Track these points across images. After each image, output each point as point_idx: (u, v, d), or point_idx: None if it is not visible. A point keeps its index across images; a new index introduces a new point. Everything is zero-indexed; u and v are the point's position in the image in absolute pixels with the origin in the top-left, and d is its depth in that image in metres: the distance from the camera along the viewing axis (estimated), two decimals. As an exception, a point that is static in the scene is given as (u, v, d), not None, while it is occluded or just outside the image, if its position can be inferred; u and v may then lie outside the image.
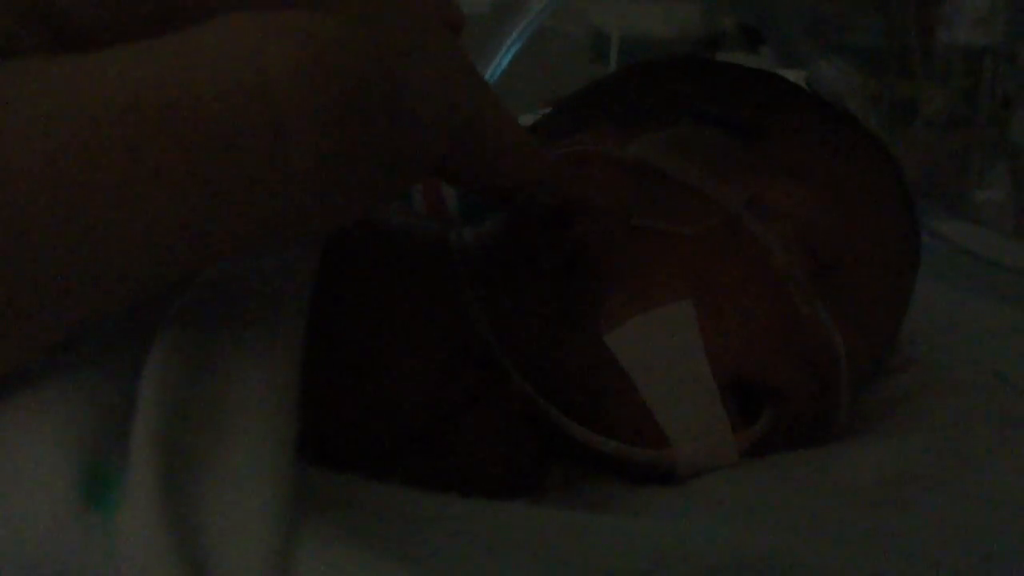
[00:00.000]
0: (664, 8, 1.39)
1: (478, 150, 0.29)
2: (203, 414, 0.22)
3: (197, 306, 0.25)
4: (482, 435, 0.38)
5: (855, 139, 0.48)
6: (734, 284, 0.40)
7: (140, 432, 0.21)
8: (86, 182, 0.19)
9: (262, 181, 0.20)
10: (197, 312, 0.25)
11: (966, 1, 1.12)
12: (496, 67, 1.12)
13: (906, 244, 0.48)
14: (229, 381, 0.23)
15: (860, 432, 0.44)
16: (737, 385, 0.40)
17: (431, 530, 0.24)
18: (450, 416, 0.37)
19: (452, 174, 0.30)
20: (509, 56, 1.13)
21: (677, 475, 0.38)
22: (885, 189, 0.47)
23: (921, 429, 0.44)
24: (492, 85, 1.08)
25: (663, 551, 0.27)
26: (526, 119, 0.54)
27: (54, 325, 0.21)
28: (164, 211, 0.19)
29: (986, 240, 0.81)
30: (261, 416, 0.22)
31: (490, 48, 1.13)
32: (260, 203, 0.21)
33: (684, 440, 0.38)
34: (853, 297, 0.43)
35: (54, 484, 0.21)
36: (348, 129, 0.21)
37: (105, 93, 0.19)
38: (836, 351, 0.40)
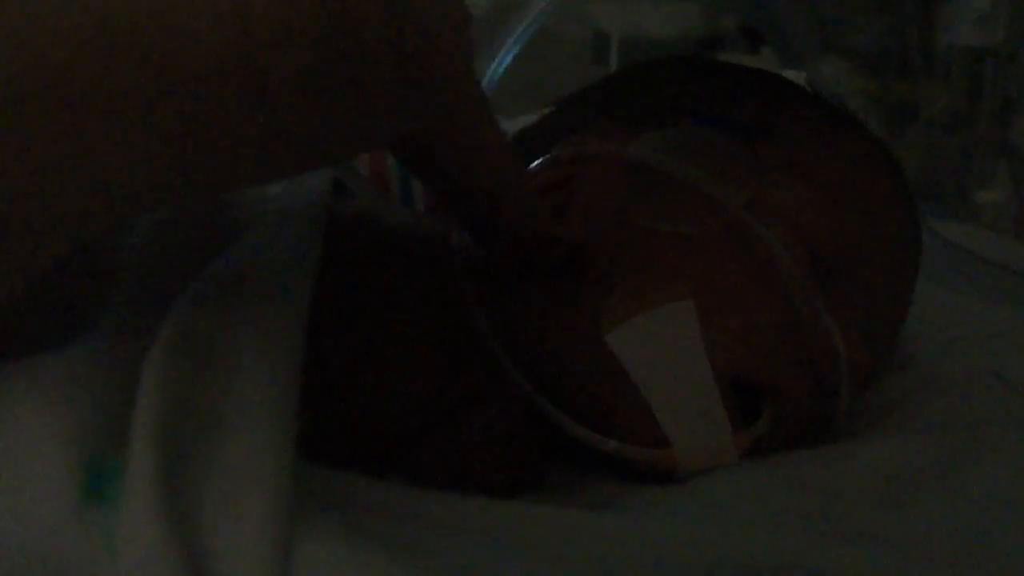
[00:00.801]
0: (665, 9, 1.39)
1: (458, 134, 0.28)
2: (203, 411, 0.22)
3: (198, 303, 0.25)
4: (482, 434, 0.38)
5: (856, 140, 0.48)
6: (735, 284, 0.40)
7: (140, 428, 0.21)
8: (58, 99, 0.18)
9: (238, 105, 0.20)
10: (198, 309, 0.25)
11: (967, 2, 1.12)
12: (496, 68, 1.12)
13: (907, 245, 0.48)
14: (229, 378, 0.23)
15: (860, 432, 0.44)
16: (737, 385, 0.40)
17: (430, 529, 0.24)
18: (450, 415, 0.37)
19: (424, 157, 0.29)
20: (510, 57, 1.13)
21: (677, 475, 0.38)
22: (886, 190, 0.47)
23: (920, 430, 0.44)
24: (493, 86, 1.08)
25: (662, 551, 0.27)
26: (527, 119, 0.54)
27: (36, 244, 0.20)
28: (137, 132, 0.19)
29: (986, 241, 0.81)
30: (261, 413, 0.22)
31: (490, 49, 1.12)
32: (237, 128, 0.20)
33: (684, 440, 0.38)
34: (854, 298, 0.43)
35: (55, 479, 0.21)
36: (330, 54, 0.20)
37: (77, 11, 0.19)
38: (837, 351, 0.40)
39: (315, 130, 0.21)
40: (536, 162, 0.45)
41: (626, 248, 0.41)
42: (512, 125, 0.54)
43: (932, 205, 0.94)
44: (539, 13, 1.13)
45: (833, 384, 0.41)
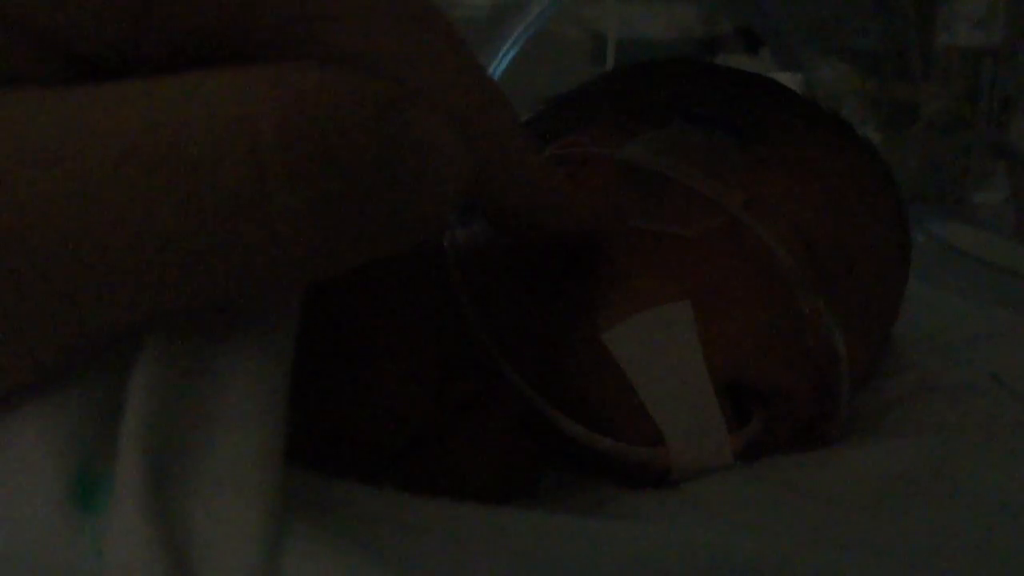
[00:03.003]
0: (663, 11, 1.39)
1: (508, 183, 0.29)
2: (191, 418, 0.22)
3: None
4: (477, 440, 0.38)
5: (848, 142, 0.48)
6: (733, 284, 0.40)
7: (128, 435, 0.21)
8: (80, 223, 0.19)
9: (247, 236, 0.20)
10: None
11: (965, 3, 1.12)
12: (495, 70, 1.12)
13: (898, 246, 0.48)
14: (218, 385, 0.23)
15: (855, 435, 0.44)
16: (735, 386, 0.40)
17: (421, 535, 0.24)
18: (445, 421, 0.37)
19: (491, 211, 0.30)
20: (508, 59, 1.14)
21: (671, 476, 0.38)
22: (878, 192, 0.47)
23: (915, 432, 0.44)
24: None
25: (653, 556, 0.27)
26: (524, 118, 0.54)
27: (37, 354, 0.21)
28: (151, 255, 0.20)
29: (984, 242, 0.81)
30: (249, 421, 0.22)
31: (489, 51, 1.13)
32: (246, 254, 0.21)
33: (678, 440, 0.38)
34: (850, 298, 0.44)
35: (42, 486, 0.21)
36: (333, 185, 0.21)
37: (106, 137, 0.19)
38: (837, 351, 0.40)
39: (320, 259, 0.22)
40: None
41: (622, 248, 0.41)
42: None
43: (930, 206, 0.95)
44: (537, 15, 1.14)
45: (833, 384, 0.41)
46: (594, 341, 0.38)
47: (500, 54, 1.14)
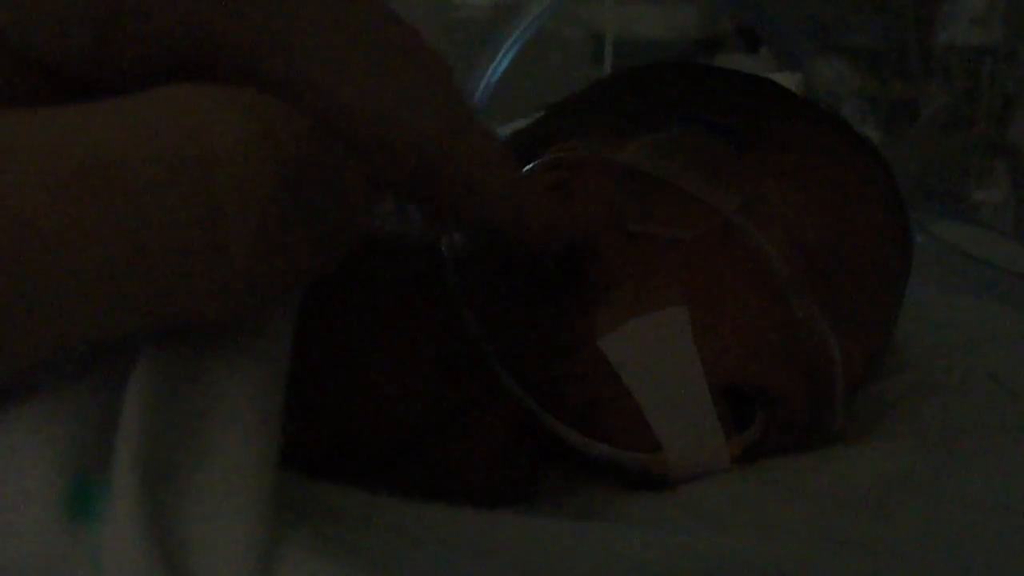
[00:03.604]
0: (662, 10, 1.39)
1: (454, 177, 0.28)
2: (186, 427, 0.22)
3: None
4: (475, 444, 0.38)
5: (848, 143, 0.48)
6: (729, 288, 0.40)
7: (124, 443, 0.21)
8: (22, 244, 0.19)
9: (200, 259, 0.20)
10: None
11: (965, 2, 1.12)
12: (494, 70, 1.12)
13: (898, 248, 0.48)
14: (213, 394, 0.23)
15: (854, 436, 0.44)
16: (731, 390, 0.40)
17: (415, 541, 0.24)
18: (443, 425, 0.37)
19: (430, 205, 0.30)
20: (508, 59, 1.14)
21: (669, 481, 0.38)
22: (878, 193, 0.47)
23: (914, 433, 0.44)
24: (490, 88, 1.08)
25: (652, 561, 0.27)
26: (522, 123, 0.54)
27: None
28: (97, 278, 0.19)
29: (984, 241, 0.81)
30: (244, 429, 0.22)
31: (488, 51, 1.13)
32: (195, 279, 0.21)
33: (676, 445, 0.38)
34: (847, 301, 0.43)
35: (39, 495, 0.21)
36: (288, 210, 0.21)
37: (54, 160, 0.19)
38: (831, 355, 0.40)
39: (269, 275, 0.22)
40: (529, 166, 0.45)
41: (619, 253, 0.41)
42: (505, 130, 0.54)
43: (930, 205, 0.95)
44: (537, 15, 1.14)
45: (828, 388, 0.41)
46: (591, 347, 0.38)
47: (500, 54, 1.14)
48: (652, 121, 0.45)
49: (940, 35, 1.15)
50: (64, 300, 0.19)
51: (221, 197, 0.20)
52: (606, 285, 0.40)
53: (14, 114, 0.20)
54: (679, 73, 0.52)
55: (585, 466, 0.39)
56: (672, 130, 0.45)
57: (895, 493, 0.36)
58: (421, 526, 0.25)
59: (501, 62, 1.15)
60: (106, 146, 0.20)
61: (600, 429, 0.38)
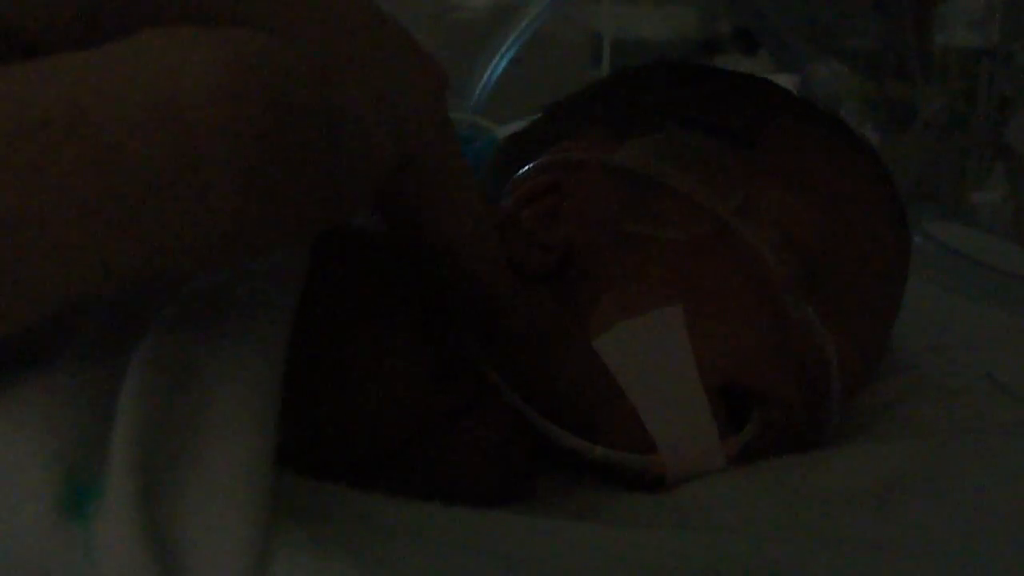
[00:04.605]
0: (661, 12, 1.39)
1: (425, 187, 0.28)
2: (182, 425, 0.22)
3: (180, 316, 0.25)
4: (471, 445, 0.38)
5: (845, 145, 0.48)
6: (724, 289, 0.40)
7: (119, 443, 0.21)
8: None
9: (180, 202, 0.19)
10: (179, 322, 0.25)
11: (963, 3, 1.12)
12: (493, 71, 1.12)
13: (896, 249, 0.48)
14: (209, 392, 0.23)
15: (850, 437, 0.44)
16: (727, 391, 0.40)
17: (410, 541, 0.24)
18: (439, 426, 0.37)
19: (393, 211, 0.29)
20: (506, 60, 1.14)
21: (665, 481, 0.38)
22: (875, 195, 0.47)
23: (911, 435, 0.44)
24: (489, 88, 1.08)
25: (647, 561, 0.27)
26: (520, 124, 0.54)
27: None
28: (71, 233, 0.19)
29: (982, 243, 0.81)
30: (239, 428, 0.22)
31: (487, 52, 1.13)
32: (177, 226, 0.20)
33: (671, 446, 0.38)
34: (843, 303, 0.43)
35: (34, 494, 0.21)
36: (270, 151, 0.20)
37: (14, 106, 0.19)
38: (827, 357, 0.40)
39: (258, 222, 0.21)
40: (525, 168, 0.45)
41: (615, 254, 0.41)
42: (503, 131, 0.54)
43: (928, 206, 0.95)
44: (535, 16, 1.14)
45: (823, 390, 0.41)
46: (586, 348, 0.38)
47: (498, 55, 1.14)
48: (649, 122, 0.45)
49: (938, 37, 1.15)
50: (39, 253, 0.19)
51: (199, 138, 0.19)
52: (601, 285, 0.40)
53: None
54: (676, 74, 0.52)
55: (581, 467, 0.39)
56: (669, 131, 0.45)
57: (892, 493, 0.36)
58: (418, 526, 0.25)
59: (499, 64, 1.15)
60: (73, 94, 0.19)
61: (595, 430, 0.38)
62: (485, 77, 1.13)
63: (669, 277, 0.40)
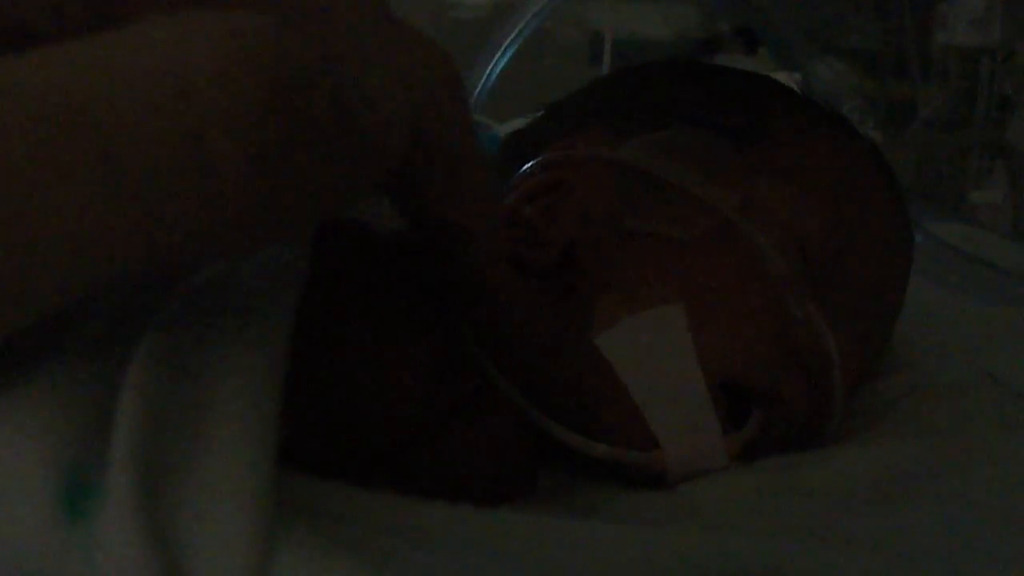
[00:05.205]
0: (662, 10, 1.39)
1: (437, 168, 0.27)
2: (183, 424, 0.22)
3: (180, 314, 0.25)
4: (474, 442, 0.38)
5: (848, 142, 0.48)
6: (727, 287, 0.40)
7: (119, 442, 0.21)
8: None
9: (185, 187, 0.19)
10: (180, 320, 0.25)
11: (963, 3, 1.12)
12: (493, 69, 1.12)
13: (898, 247, 0.48)
14: (210, 390, 0.23)
15: (852, 435, 0.44)
16: (729, 388, 0.40)
17: (413, 539, 0.24)
18: (441, 423, 0.37)
19: (402, 191, 0.29)
20: (507, 58, 1.14)
21: (667, 478, 0.38)
22: (877, 192, 0.47)
23: (913, 432, 0.44)
24: (489, 86, 1.08)
25: (649, 559, 0.27)
26: (520, 122, 0.54)
27: None
28: (79, 219, 0.19)
29: (982, 241, 0.81)
30: (241, 426, 0.22)
31: (488, 50, 1.13)
32: (186, 209, 0.19)
33: (673, 443, 0.38)
34: (846, 300, 0.43)
35: (34, 494, 0.21)
36: (278, 131, 0.20)
37: (16, 96, 0.18)
38: (829, 354, 0.40)
39: (268, 207, 0.21)
40: (527, 165, 0.45)
41: (617, 251, 0.41)
42: (504, 129, 0.54)
43: (928, 205, 0.95)
44: (536, 14, 1.14)
45: (826, 387, 0.41)
46: (588, 345, 0.38)
47: (499, 53, 1.14)
48: (650, 120, 0.45)
49: (938, 36, 1.15)
50: (45, 245, 0.19)
51: (205, 123, 0.19)
52: (603, 283, 0.40)
53: None
54: (677, 71, 0.52)
55: (584, 464, 0.39)
56: (670, 129, 0.45)
57: (894, 491, 0.36)
58: (421, 525, 0.25)
59: (499, 62, 1.14)
60: (76, 82, 0.19)
61: (597, 428, 0.38)
62: (485, 76, 1.13)
63: (671, 274, 0.40)
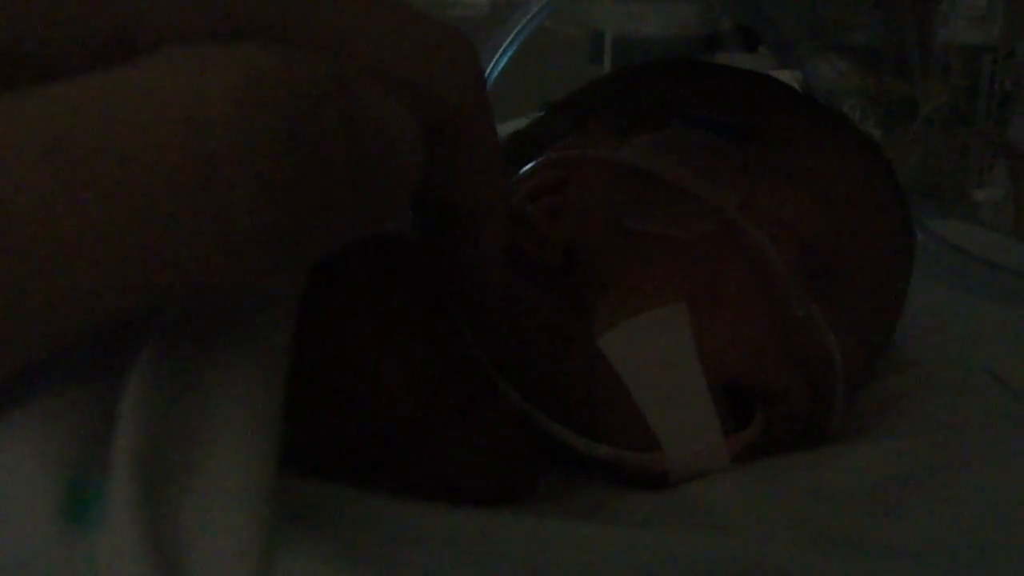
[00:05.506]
0: (662, 9, 1.39)
1: (447, 148, 0.27)
2: (184, 430, 0.22)
3: (180, 319, 0.25)
4: (475, 443, 0.38)
5: (848, 141, 0.48)
6: (728, 287, 0.40)
7: (121, 449, 0.21)
8: (3, 229, 0.18)
9: (197, 223, 0.19)
10: (180, 325, 0.25)
11: (964, 0, 1.12)
12: (494, 68, 1.12)
13: (900, 246, 0.48)
14: (211, 395, 0.23)
15: (854, 434, 0.44)
16: (730, 388, 0.39)
17: (417, 542, 0.24)
18: (442, 424, 0.37)
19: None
20: (507, 57, 1.13)
21: (669, 479, 0.38)
22: (878, 190, 0.47)
23: (915, 431, 0.43)
24: (489, 87, 1.07)
25: (650, 560, 0.27)
26: (521, 122, 0.54)
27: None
28: (89, 258, 0.19)
29: (983, 240, 0.81)
30: (242, 432, 0.22)
31: (488, 49, 1.13)
32: (198, 243, 0.19)
33: (675, 444, 0.38)
34: (847, 300, 0.43)
35: (35, 501, 0.21)
36: (290, 165, 0.20)
37: (27, 134, 0.18)
38: (831, 354, 0.40)
39: (276, 229, 0.21)
40: (528, 166, 0.45)
41: (618, 251, 0.41)
42: (504, 129, 0.54)
43: (930, 203, 0.95)
44: (536, 13, 1.14)
45: (828, 387, 0.41)
46: (589, 345, 0.38)
47: (499, 52, 1.13)
48: (651, 119, 0.45)
49: (939, 34, 1.15)
50: (55, 280, 0.19)
51: (214, 158, 0.19)
52: (604, 283, 0.40)
53: None
54: (678, 70, 0.52)
55: (585, 465, 0.39)
56: (671, 128, 0.45)
57: (896, 491, 0.36)
58: (421, 526, 0.25)
59: (500, 61, 1.14)
60: (91, 114, 0.19)
61: (598, 428, 0.38)
62: (485, 75, 1.12)
63: (672, 274, 0.40)
